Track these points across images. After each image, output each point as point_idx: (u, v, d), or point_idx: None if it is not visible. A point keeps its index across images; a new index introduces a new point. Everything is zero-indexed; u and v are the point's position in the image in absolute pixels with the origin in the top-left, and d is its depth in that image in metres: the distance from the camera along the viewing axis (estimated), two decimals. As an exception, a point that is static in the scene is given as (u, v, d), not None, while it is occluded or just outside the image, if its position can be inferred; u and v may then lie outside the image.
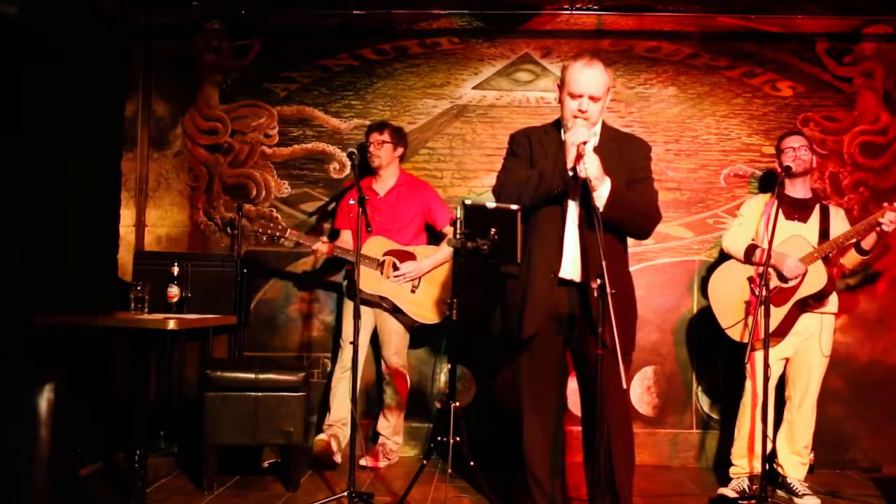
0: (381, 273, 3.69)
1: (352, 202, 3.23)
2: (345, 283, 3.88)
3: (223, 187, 4.18)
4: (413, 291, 3.71)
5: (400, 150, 3.82)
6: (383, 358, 3.80)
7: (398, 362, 3.79)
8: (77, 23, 3.57)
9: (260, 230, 3.55)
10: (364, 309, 3.67)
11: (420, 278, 3.72)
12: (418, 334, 3.93)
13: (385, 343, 3.78)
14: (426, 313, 3.73)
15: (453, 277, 3.20)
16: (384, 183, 3.82)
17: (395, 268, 3.70)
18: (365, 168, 3.84)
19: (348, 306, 3.76)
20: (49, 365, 2.93)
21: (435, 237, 3.88)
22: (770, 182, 3.92)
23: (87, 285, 3.59)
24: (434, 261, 3.73)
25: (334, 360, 3.87)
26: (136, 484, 2.92)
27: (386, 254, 3.71)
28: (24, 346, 2.93)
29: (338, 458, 3.66)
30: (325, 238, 3.68)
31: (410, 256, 3.73)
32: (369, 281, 3.64)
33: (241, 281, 3.89)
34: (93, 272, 3.73)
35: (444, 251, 3.72)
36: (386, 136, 3.75)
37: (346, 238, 3.82)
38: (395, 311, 3.74)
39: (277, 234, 3.55)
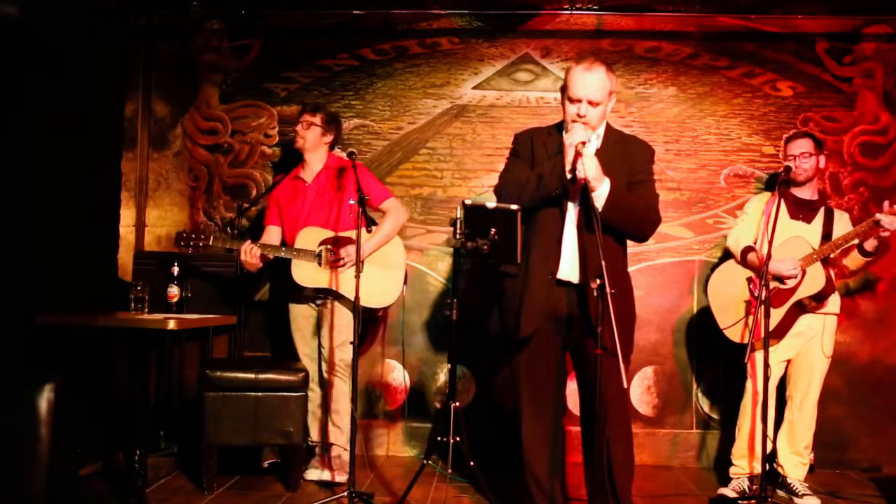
0: (320, 265, 3.44)
1: (352, 202, 3.19)
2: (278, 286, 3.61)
3: (223, 187, 4.18)
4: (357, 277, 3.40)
5: (329, 138, 3.61)
6: (325, 356, 3.49)
7: (345, 358, 3.43)
8: (77, 23, 3.57)
9: (182, 244, 3.36)
10: (306, 308, 3.55)
11: (363, 262, 3.36)
12: (418, 334, 3.93)
13: (331, 338, 3.46)
14: (374, 297, 3.44)
15: (453, 277, 3.19)
16: (311, 169, 3.60)
17: (335, 255, 3.44)
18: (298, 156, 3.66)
19: (294, 308, 3.58)
20: (49, 365, 2.93)
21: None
22: (775, 182, 3.92)
23: (87, 285, 3.59)
24: (375, 242, 3.46)
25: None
26: (136, 484, 2.92)
27: (322, 243, 3.47)
28: (24, 346, 2.93)
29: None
30: (250, 242, 3.41)
31: (349, 242, 3.43)
32: (308, 275, 3.40)
33: (241, 281, 3.88)
34: (93, 272, 3.73)
35: (384, 230, 3.49)
36: (317, 120, 3.56)
37: (271, 236, 3.61)
38: (341, 300, 3.46)
39: (201, 244, 3.37)
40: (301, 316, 3.59)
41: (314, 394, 3.55)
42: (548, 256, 2.57)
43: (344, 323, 3.43)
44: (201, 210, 4.17)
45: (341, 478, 3.35)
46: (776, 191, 3.17)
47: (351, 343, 3.05)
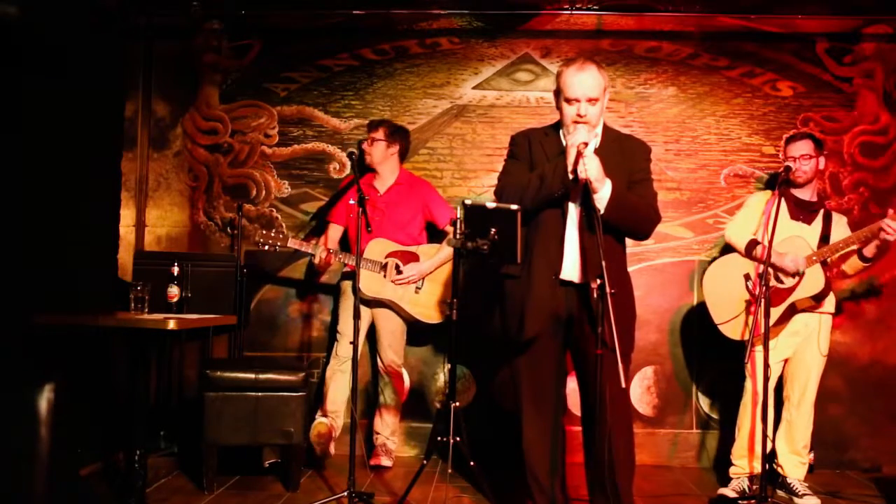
0: (385, 276, 3.67)
1: (352, 202, 3.25)
2: (345, 283, 3.80)
3: (223, 187, 4.18)
4: (417, 292, 3.70)
5: (395, 149, 3.79)
6: (380, 356, 3.78)
7: (396, 360, 3.77)
8: (77, 23, 3.57)
9: (261, 240, 3.52)
10: (362, 307, 3.66)
11: (423, 278, 3.72)
12: (418, 334, 3.93)
13: (382, 341, 3.76)
14: (431, 313, 3.72)
15: (453, 277, 3.20)
16: (383, 181, 3.81)
17: (398, 269, 3.67)
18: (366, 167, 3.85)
19: (346, 301, 3.73)
20: (49, 365, 2.93)
21: (437, 235, 3.87)
22: (775, 182, 3.91)
23: (87, 285, 3.59)
24: (437, 261, 3.72)
25: (329, 353, 3.84)
26: (136, 484, 2.92)
27: (388, 255, 3.69)
28: (24, 346, 2.93)
29: (331, 449, 3.65)
30: (324, 246, 3.65)
31: (413, 257, 3.72)
32: (372, 284, 3.63)
33: (241, 281, 3.88)
34: (93, 272, 3.73)
35: (447, 250, 3.70)
36: (379, 135, 3.74)
37: (333, 235, 3.82)
38: (398, 311, 3.73)
39: (279, 244, 3.53)
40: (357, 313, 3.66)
41: (344, 375, 3.66)
42: (551, 257, 2.57)
43: (398, 330, 3.76)
44: (201, 210, 4.17)
45: (388, 462, 3.73)
46: (776, 190, 3.17)
47: (352, 343, 3.07)
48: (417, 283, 3.71)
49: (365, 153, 3.78)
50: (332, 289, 4.04)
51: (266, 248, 3.54)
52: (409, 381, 4.01)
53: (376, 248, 3.68)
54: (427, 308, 3.72)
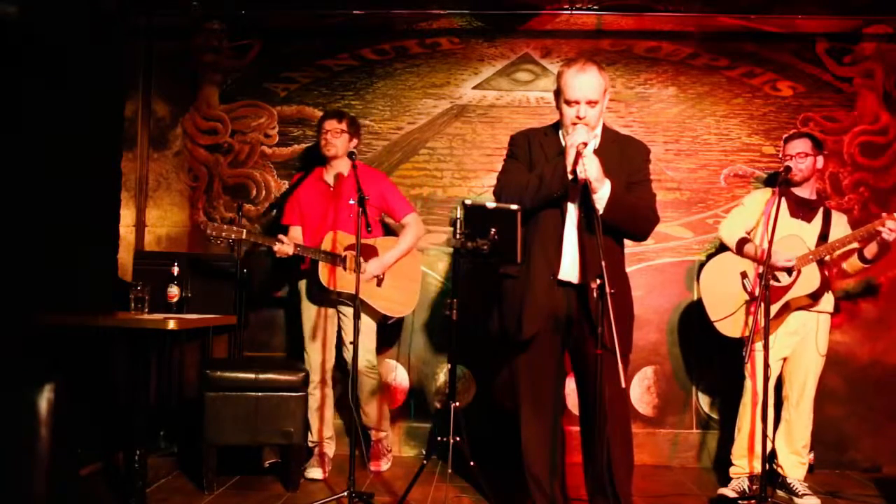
0: (345, 269, 3.50)
1: (351, 202, 3.22)
2: (301, 283, 3.66)
3: (223, 187, 4.18)
4: (378, 286, 3.57)
5: (354, 142, 3.66)
6: (349, 359, 3.54)
7: (371, 360, 3.63)
8: (77, 23, 3.57)
9: (213, 233, 3.32)
10: (325, 310, 3.59)
11: (384, 274, 3.58)
12: (418, 333, 3.93)
13: (357, 342, 3.46)
14: (395, 306, 3.61)
15: (453, 277, 3.20)
16: (335, 174, 3.66)
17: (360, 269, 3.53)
18: (319, 159, 3.72)
19: (308, 309, 3.63)
20: (49, 365, 2.92)
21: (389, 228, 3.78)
22: (775, 181, 3.91)
23: (87, 285, 3.59)
24: (397, 253, 3.59)
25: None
26: (136, 484, 2.92)
27: (346, 249, 3.53)
28: (25, 346, 2.93)
29: (328, 470, 3.59)
30: (284, 237, 3.44)
31: (371, 250, 3.57)
32: (335, 279, 3.48)
33: (241, 281, 3.88)
34: (93, 272, 3.73)
35: (406, 242, 3.62)
36: (344, 126, 3.61)
37: (294, 235, 3.65)
38: (363, 306, 3.51)
39: (232, 236, 3.34)
40: (319, 316, 3.62)
41: (319, 392, 3.59)
42: (549, 257, 2.57)
43: (365, 329, 3.55)
44: (201, 210, 4.17)
45: (387, 465, 3.70)
46: (777, 189, 3.17)
47: (352, 343, 3.07)
48: (378, 277, 3.57)
49: (328, 144, 3.58)
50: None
51: (219, 242, 3.37)
52: (405, 379, 4.00)
53: (332, 241, 3.52)
54: (391, 301, 3.59)
